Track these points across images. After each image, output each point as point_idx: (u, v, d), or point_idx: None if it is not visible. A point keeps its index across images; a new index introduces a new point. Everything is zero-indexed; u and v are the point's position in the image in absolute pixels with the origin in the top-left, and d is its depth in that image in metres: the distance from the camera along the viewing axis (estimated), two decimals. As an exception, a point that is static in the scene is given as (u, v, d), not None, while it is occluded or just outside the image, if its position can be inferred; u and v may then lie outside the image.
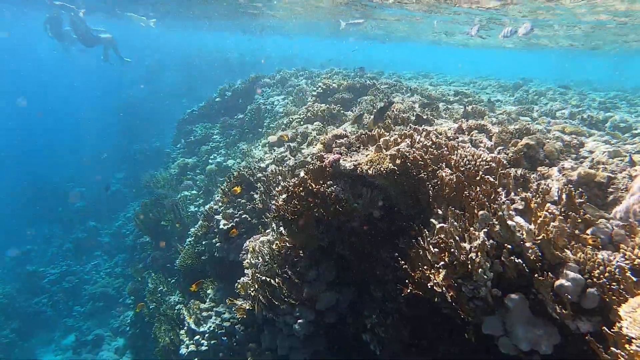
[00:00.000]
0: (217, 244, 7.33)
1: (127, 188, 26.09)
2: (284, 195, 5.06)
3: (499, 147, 4.93)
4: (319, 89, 11.09)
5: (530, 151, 4.43)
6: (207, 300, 7.68)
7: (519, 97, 13.36)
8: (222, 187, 7.77)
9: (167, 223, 12.19)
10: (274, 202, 6.15)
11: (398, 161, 4.27)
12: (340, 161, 4.50)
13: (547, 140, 4.57)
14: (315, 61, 35.31)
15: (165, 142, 28.17)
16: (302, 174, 4.74)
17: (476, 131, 5.15)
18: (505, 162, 4.23)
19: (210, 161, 13.86)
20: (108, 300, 17.39)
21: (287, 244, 5.36)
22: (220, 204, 7.67)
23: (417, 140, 4.65)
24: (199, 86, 34.72)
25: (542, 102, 12.05)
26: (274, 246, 5.46)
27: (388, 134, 5.04)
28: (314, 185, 4.55)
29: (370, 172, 4.17)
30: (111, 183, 27.18)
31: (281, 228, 5.35)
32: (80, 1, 17.89)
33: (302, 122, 9.10)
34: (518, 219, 3.34)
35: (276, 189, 6.25)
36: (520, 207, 3.49)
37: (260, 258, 5.54)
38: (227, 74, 33.47)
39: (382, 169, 4.10)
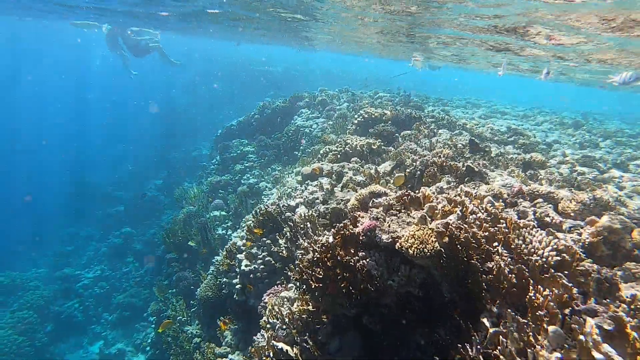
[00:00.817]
0: (238, 287, 6.77)
1: (164, 195, 26.39)
2: (309, 256, 4.43)
3: (569, 221, 4.09)
4: (361, 117, 10.46)
5: (613, 236, 3.59)
6: (223, 343, 7.13)
7: (580, 139, 12.14)
8: (248, 222, 7.24)
9: (194, 244, 11.85)
10: (299, 255, 5.53)
11: (446, 239, 3.55)
12: (377, 231, 3.82)
13: (636, 222, 3.70)
14: (358, 78, 34.85)
15: (202, 153, 28.40)
16: (330, 238, 4.07)
17: (541, 200, 4.33)
18: (580, 251, 3.40)
19: (242, 182, 13.48)
20: (134, 310, 17.37)
21: (310, 307, 4.71)
22: (244, 240, 7.13)
23: (470, 210, 3.90)
24: (242, 97, 34.97)
25: (609, 146, 10.84)
26: (294, 307, 4.82)
27: (435, 197, 4.31)
28: (342, 255, 3.89)
29: (411, 251, 3.46)
30: (149, 189, 27.68)
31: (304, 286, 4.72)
32: (105, 19, 18.59)
33: (339, 156, 8.47)
34: (607, 348, 2.53)
35: (303, 238, 5.63)
36: (609, 327, 2.68)
37: (278, 319, 4.92)
38: (271, 86, 33.56)
39: (426, 250, 3.39)
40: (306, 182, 8.31)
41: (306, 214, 5.95)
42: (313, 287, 4.13)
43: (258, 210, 7.17)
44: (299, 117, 14.76)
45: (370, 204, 4.54)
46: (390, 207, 4.25)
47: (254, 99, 30.81)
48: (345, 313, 4.37)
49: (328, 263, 3.96)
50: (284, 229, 6.33)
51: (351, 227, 4.07)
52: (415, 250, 3.43)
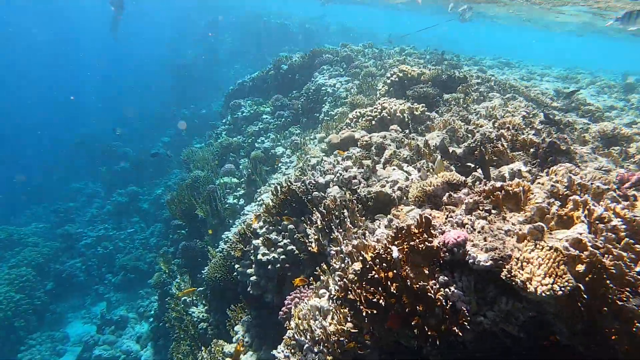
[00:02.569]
0: (252, 278, 5.67)
1: (172, 153, 25.27)
2: (357, 267, 3.24)
3: None
4: (394, 76, 9.00)
5: None
6: (234, 339, 6.13)
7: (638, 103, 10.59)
8: (266, 201, 6.04)
9: (202, 213, 10.77)
10: (333, 252, 4.34)
11: (580, 267, 2.32)
12: (468, 247, 2.58)
13: None
14: (380, 35, 32.57)
15: (212, 111, 26.97)
16: (394, 252, 2.84)
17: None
18: None
19: (256, 145, 12.21)
20: (139, 274, 16.68)
21: (350, 326, 3.57)
22: (261, 222, 5.96)
23: (598, 215, 2.63)
24: (255, 51, 33.02)
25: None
26: (329, 325, 3.69)
27: (536, 191, 3.02)
28: (413, 278, 2.68)
29: (533, 288, 2.24)
30: (156, 147, 26.53)
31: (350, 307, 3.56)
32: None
33: (373, 122, 7.12)
34: None
35: (338, 229, 4.42)
36: None
37: (307, 337, 3.80)
38: (285, 41, 31.51)
39: (558, 288, 2.16)
40: (335, 153, 7.02)
41: (342, 198, 4.71)
42: (365, 313, 2.97)
43: (279, 187, 5.94)
44: (320, 74, 13.24)
45: (445, 200, 3.28)
46: (477, 206, 2.99)
47: (268, 53, 28.95)
48: (402, 343, 3.23)
49: (390, 287, 2.75)
50: (313, 215, 5.12)
51: (425, 236, 2.82)
52: (543, 288, 2.20)
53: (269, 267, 5.50)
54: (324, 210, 4.66)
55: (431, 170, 5.07)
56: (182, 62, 33.38)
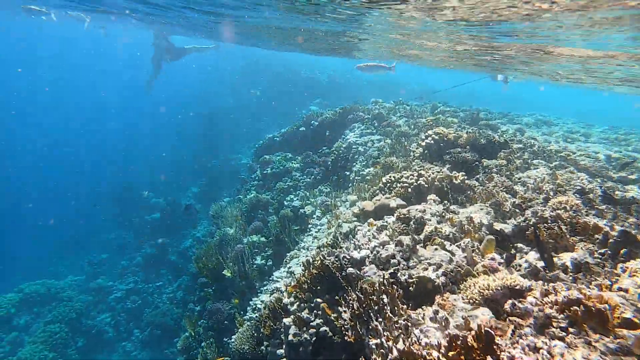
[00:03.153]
0: (282, 361, 5.26)
1: (201, 204, 25.50)
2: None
3: None
4: (430, 139, 8.77)
5: None
6: None
7: None
8: (297, 273, 5.72)
9: (229, 274, 10.50)
10: (373, 345, 3.93)
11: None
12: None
13: None
14: (410, 88, 32.94)
15: (241, 163, 27.37)
16: (436, 352, 2.44)
17: None
18: None
19: (285, 203, 12.04)
20: (165, 330, 16.36)
21: None
22: (292, 298, 5.62)
23: None
24: (284, 105, 33.81)
25: None
26: None
27: (622, 311, 2.60)
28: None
29: None
30: (185, 197, 26.93)
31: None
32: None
33: (409, 190, 6.81)
34: None
35: (377, 319, 4.03)
36: None
37: None
38: (315, 94, 32.20)
39: None
40: (369, 222, 6.70)
41: (380, 281, 4.34)
42: None
43: (311, 261, 5.63)
44: (351, 132, 13.20)
45: (508, 308, 2.89)
46: (549, 322, 2.58)
47: (297, 107, 29.57)
48: None
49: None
50: (348, 295, 4.75)
51: (488, 358, 2.42)
52: None
53: (300, 349, 5.09)
54: (360, 295, 4.29)
55: (477, 250, 4.67)
56: (210, 113, 34.45)
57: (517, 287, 3.08)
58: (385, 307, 4.11)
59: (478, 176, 7.18)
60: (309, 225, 9.81)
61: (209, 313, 10.76)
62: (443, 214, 5.42)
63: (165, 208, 26.02)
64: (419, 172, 6.84)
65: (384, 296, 4.21)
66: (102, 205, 28.55)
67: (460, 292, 4.12)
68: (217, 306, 10.81)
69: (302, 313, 5.34)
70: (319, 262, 5.45)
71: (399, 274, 4.41)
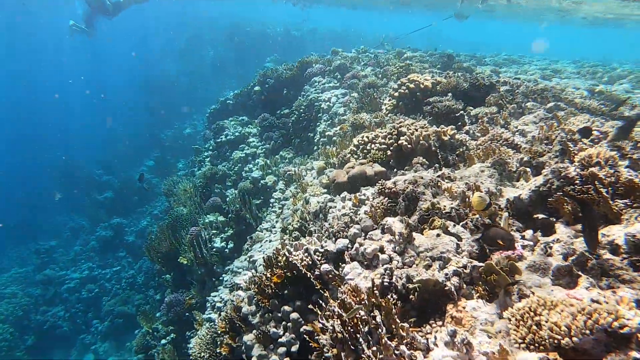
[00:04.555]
0: (246, 391, 4.07)
1: (157, 178, 23.60)
2: None
3: None
4: (403, 88, 7.45)
5: None
6: None
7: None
8: (258, 274, 4.44)
9: (186, 261, 9.16)
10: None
11: None
12: None
13: None
14: (369, 38, 31.07)
15: (197, 130, 25.35)
16: None
17: None
18: None
19: (244, 174, 10.62)
20: (128, 319, 15.03)
21: None
22: (253, 306, 4.37)
23: None
24: (239, 65, 31.42)
25: None
26: None
27: None
28: None
29: None
30: (140, 172, 24.87)
31: None
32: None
33: (389, 152, 5.55)
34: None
35: (368, 344, 2.85)
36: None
37: None
38: (270, 51, 29.91)
39: None
40: (344, 197, 5.44)
41: (368, 289, 3.12)
42: None
43: (274, 258, 4.35)
44: (311, 87, 11.66)
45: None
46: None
47: (252, 66, 27.38)
48: None
49: None
50: (325, 305, 3.54)
51: None
52: None
53: (268, 375, 3.91)
54: (341, 312, 3.07)
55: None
56: (163, 81, 31.68)
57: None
58: (379, 327, 2.92)
59: (467, 128, 5.98)
60: (272, 200, 8.48)
61: (167, 305, 9.50)
62: (438, 183, 4.20)
63: (119, 186, 24.01)
64: (399, 129, 5.55)
65: (376, 312, 3.01)
66: (49, 188, 26.12)
67: (477, 294, 2.97)
68: (176, 297, 9.54)
69: (267, 327, 4.12)
70: (284, 259, 4.18)
71: (394, 278, 3.19)
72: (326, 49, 15.72)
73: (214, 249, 9.05)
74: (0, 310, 15.14)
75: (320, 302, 3.89)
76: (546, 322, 2.06)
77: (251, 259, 6.32)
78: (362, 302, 3.09)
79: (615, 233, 3.02)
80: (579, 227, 3.28)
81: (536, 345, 2.08)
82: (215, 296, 6.72)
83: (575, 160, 3.79)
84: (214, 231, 9.63)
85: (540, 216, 3.52)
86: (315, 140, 9.70)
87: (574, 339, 1.91)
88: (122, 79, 37.29)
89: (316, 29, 37.89)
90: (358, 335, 3.00)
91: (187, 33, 37.69)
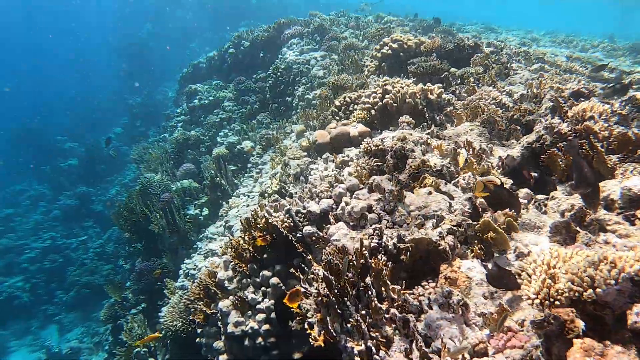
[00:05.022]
0: (222, 358, 3.86)
1: (126, 146, 22.63)
2: None
3: None
4: (386, 48, 7.14)
5: None
6: None
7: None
8: (234, 238, 4.17)
9: (157, 229, 8.77)
10: (353, 347, 2.57)
11: None
12: None
13: None
14: (350, 4, 30.19)
15: (168, 97, 24.29)
16: None
17: None
18: None
19: (219, 139, 10.18)
20: (95, 289, 14.52)
21: None
22: (229, 271, 4.11)
23: None
24: (211, 28, 30.06)
25: None
26: None
27: None
28: None
29: None
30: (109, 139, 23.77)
31: None
32: None
33: (373, 110, 5.28)
34: None
35: (357, 306, 2.66)
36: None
37: None
38: (245, 15, 28.70)
39: None
40: (326, 157, 5.18)
41: (356, 249, 2.90)
42: None
43: (252, 219, 4.08)
44: (289, 49, 11.14)
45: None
46: None
47: (227, 30, 26.22)
48: None
49: None
50: (308, 268, 3.33)
51: None
52: None
53: (245, 342, 3.69)
54: (328, 274, 2.84)
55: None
56: (132, 42, 30.01)
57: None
58: (369, 289, 2.72)
59: (453, 89, 5.76)
60: (249, 165, 8.14)
61: (137, 275, 9.12)
62: (427, 140, 3.98)
63: (84, 153, 22.94)
64: (383, 87, 5.27)
65: (370, 276, 2.80)
66: (5, 154, 24.74)
67: (472, 254, 2.80)
68: (147, 265, 9.16)
69: (246, 292, 3.88)
70: (263, 220, 3.91)
71: (384, 238, 2.97)
72: (305, 14, 15.10)
73: (188, 216, 8.70)
74: (-46, 280, 14.40)
75: (303, 266, 3.68)
76: (565, 273, 1.89)
77: (227, 224, 6.04)
78: (350, 264, 2.87)
79: (610, 188, 2.89)
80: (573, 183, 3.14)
81: (551, 300, 1.91)
82: (188, 263, 6.43)
83: (568, 116, 3.62)
84: (188, 198, 9.25)
85: (533, 174, 3.36)
86: (294, 104, 9.34)
87: (598, 290, 1.75)
88: (90, 38, 35.22)
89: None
90: (345, 299, 2.80)
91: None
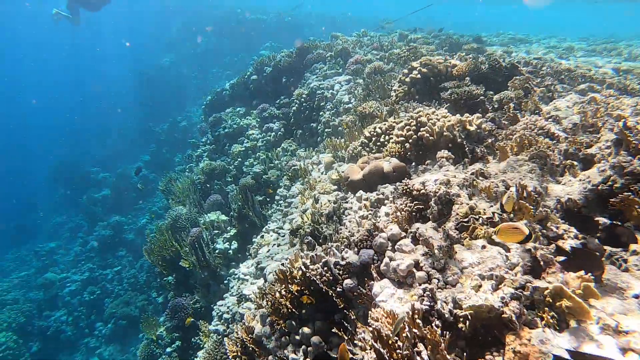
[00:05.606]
0: None
1: (155, 173, 22.99)
2: None
3: None
4: (415, 72, 6.87)
5: None
6: None
7: None
8: (270, 291, 3.93)
9: (187, 265, 8.66)
10: None
11: None
12: None
13: None
14: (368, 21, 30.13)
15: (192, 122, 24.63)
16: None
17: None
18: None
19: (244, 169, 10.07)
20: (130, 320, 14.64)
21: None
22: (267, 326, 3.87)
23: None
24: (233, 53, 30.50)
25: None
26: None
27: None
28: None
29: None
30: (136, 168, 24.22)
31: None
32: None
33: (407, 144, 5.00)
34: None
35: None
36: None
37: None
38: (264, 38, 29.04)
39: None
40: (360, 197, 4.92)
41: (407, 317, 2.62)
42: None
43: (288, 271, 3.84)
44: (312, 74, 11.03)
45: None
46: None
47: (247, 54, 26.51)
48: None
49: None
50: (351, 325, 3.06)
51: None
52: None
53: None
54: (378, 345, 2.56)
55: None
56: (155, 71, 30.76)
57: None
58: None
59: (492, 115, 5.42)
60: (276, 197, 7.95)
61: (170, 311, 9.01)
62: (474, 182, 3.67)
63: (114, 183, 23.45)
64: (417, 119, 5.00)
65: (420, 345, 2.50)
66: (45, 188, 25.61)
67: (542, 321, 2.46)
68: (180, 302, 9.05)
69: (285, 352, 3.62)
70: (300, 274, 3.67)
71: (438, 302, 2.68)
72: (322, 34, 15.05)
73: (217, 251, 8.55)
74: (3, 318, 14.72)
75: (345, 323, 3.41)
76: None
77: (259, 266, 5.82)
78: (402, 331, 2.58)
79: None
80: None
81: None
82: (221, 305, 6.23)
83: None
84: (216, 231, 9.13)
85: (603, 220, 3.00)
86: (319, 131, 9.14)
87: None
88: (112, 70, 36.36)
89: (311, 13, 36.90)
90: (400, 376, 2.51)
91: (177, 22, 36.66)
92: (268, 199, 8.87)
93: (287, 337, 3.68)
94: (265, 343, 3.78)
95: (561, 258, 2.76)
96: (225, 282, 7.66)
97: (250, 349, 3.87)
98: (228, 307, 5.98)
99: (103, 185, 23.82)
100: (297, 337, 3.62)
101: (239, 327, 4.19)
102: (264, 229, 7.17)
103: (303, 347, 3.59)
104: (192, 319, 7.62)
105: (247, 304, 5.16)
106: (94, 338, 15.23)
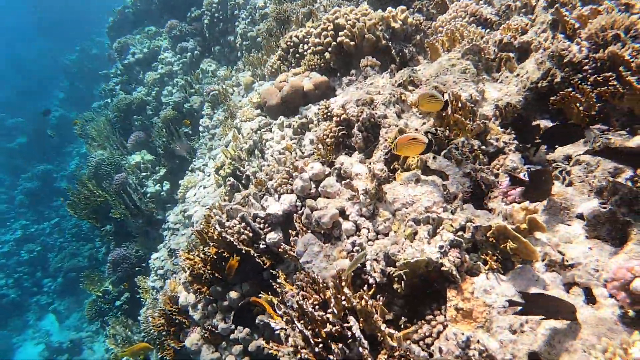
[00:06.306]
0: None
1: (76, 111, 20.73)
2: None
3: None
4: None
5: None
6: None
7: None
8: (189, 255, 3.37)
9: (118, 215, 7.92)
10: None
11: None
12: None
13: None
14: None
15: (105, 49, 21.85)
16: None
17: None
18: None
19: (163, 99, 8.96)
20: (80, 271, 13.96)
21: None
22: (191, 295, 3.40)
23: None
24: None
25: None
26: None
27: None
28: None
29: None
30: (51, 107, 21.70)
31: None
32: None
33: (327, 53, 4.25)
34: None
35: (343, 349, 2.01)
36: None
37: None
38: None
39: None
40: (281, 123, 4.27)
41: (334, 283, 2.18)
42: None
43: (203, 232, 3.27)
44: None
45: None
46: None
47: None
48: None
49: None
50: (280, 289, 2.63)
51: None
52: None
53: (226, 378, 3.10)
54: (301, 327, 2.13)
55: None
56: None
57: None
58: (358, 342, 2.02)
59: (417, 3, 4.66)
60: (200, 129, 7.12)
61: (112, 265, 8.45)
62: (401, 96, 3.08)
63: (31, 127, 21.04)
64: (334, 21, 4.20)
65: (351, 318, 2.09)
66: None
67: (486, 266, 2.09)
68: (121, 253, 8.47)
69: (215, 320, 3.20)
70: (215, 234, 3.11)
71: (367, 256, 2.23)
72: None
73: (148, 194, 7.82)
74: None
75: (273, 283, 2.97)
76: None
77: (186, 214, 5.23)
78: (329, 302, 2.15)
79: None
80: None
81: None
82: (156, 259, 5.70)
83: (581, 35, 2.73)
84: (144, 173, 8.28)
85: (542, 123, 2.56)
86: (237, 45, 8.04)
87: None
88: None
89: None
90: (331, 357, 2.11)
91: None
92: (191, 132, 8.00)
93: (213, 304, 3.23)
94: (191, 313, 3.33)
95: (507, 181, 2.34)
96: (164, 226, 7.09)
97: (177, 320, 3.43)
98: (162, 261, 5.47)
99: (17, 132, 21.36)
100: (225, 303, 3.18)
101: (161, 296, 3.70)
102: (189, 167, 6.45)
103: (233, 312, 3.17)
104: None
105: (177, 260, 4.66)
106: (44, 295, 14.51)
